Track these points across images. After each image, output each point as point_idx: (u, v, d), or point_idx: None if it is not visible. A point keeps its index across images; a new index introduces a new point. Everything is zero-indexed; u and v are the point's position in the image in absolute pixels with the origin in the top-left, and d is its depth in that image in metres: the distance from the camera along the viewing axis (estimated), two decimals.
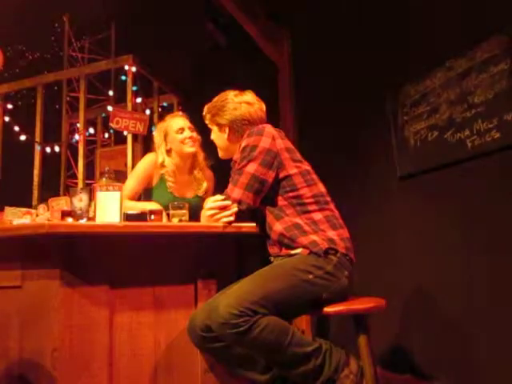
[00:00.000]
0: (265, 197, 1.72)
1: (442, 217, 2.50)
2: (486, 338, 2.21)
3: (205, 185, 2.45)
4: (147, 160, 2.38)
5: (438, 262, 2.50)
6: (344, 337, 1.76)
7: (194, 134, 2.37)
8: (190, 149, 2.32)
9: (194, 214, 1.90)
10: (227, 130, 1.88)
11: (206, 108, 1.96)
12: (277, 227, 1.68)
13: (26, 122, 4.80)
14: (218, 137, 1.94)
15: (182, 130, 2.34)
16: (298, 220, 1.67)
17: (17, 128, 4.88)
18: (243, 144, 1.74)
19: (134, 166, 4.12)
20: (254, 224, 1.71)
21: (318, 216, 1.68)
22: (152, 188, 2.39)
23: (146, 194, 2.41)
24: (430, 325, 2.51)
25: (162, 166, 2.33)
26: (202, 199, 2.36)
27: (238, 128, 1.86)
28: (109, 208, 1.67)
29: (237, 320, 1.39)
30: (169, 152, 2.36)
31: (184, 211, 1.86)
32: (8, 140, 4.84)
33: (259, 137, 1.71)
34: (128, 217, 1.70)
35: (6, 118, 4.88)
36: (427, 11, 2.63)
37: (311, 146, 3.10)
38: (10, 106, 4.96)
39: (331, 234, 1.65)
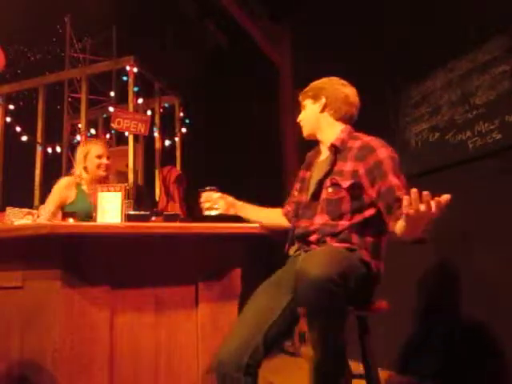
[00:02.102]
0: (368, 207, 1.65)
1: (442, 218, 2.50)
2: (490, 340, 2.20)
3: None
4: (62, 183, 2.72)
5: (439, 262, 2.50)
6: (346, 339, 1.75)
7: (108, 162, 2.72)
8: (102, 173, 2.70)
9: None
10: (324, 99, 1.78)
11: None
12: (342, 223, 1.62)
13: (28, 123, 4.78)
14: (309, 109, 1.83)
15: (100, 156, 2.70)
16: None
17: (18, 129, 4.87)
18: (387, 152, 1.68)
19: (135, 166, 4.13)
20: (256, 225, 1.71)
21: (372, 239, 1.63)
22: (72, 203, 2.66)
23: (68, 209, 2.64)
24: (431, 326, 2.51)
25: (80, 177, 2.70)
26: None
27: (335, 102, 1.78)
28: (110, 209, 1.67)
29: (338, 281, 1.30)
30: (85, 169, 2.71)
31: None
32: (9, 141, 4.83)
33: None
34: (129, 217, 1.70)
35: (8, 119, 4.87)
36: (428, 12, 2.63)
37: (312, 147, 3.09)
38: (11, 107, 4.95)
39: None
